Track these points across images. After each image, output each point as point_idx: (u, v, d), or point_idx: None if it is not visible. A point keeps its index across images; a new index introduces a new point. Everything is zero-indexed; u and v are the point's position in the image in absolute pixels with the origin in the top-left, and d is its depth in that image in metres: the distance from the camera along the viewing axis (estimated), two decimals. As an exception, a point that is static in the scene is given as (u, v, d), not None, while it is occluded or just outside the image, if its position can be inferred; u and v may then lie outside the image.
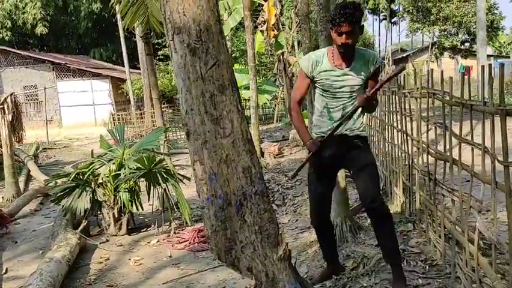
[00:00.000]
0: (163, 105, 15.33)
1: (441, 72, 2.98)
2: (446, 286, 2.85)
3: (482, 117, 2.35)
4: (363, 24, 2.90)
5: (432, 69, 3.20)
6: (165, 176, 5.43)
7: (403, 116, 4.13)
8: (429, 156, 3.41)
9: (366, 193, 2.99)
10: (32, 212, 7.22)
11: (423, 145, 3.51)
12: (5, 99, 11.62)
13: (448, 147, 2.93)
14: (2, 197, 8.01)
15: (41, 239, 5.60)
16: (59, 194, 5.55)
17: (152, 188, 5.56)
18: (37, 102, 23.75)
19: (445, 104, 2.98)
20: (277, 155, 9.61)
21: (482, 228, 2.33)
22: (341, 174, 3.90)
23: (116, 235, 5.48)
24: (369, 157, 3.04)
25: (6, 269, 4.66)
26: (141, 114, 18.00)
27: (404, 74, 4.10)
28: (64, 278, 4.00)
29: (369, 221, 4.30)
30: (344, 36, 2.77)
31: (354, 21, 2.75)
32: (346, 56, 2.89)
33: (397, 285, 2.81)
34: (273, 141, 11.36)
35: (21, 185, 8.75)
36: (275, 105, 18.94)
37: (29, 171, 10.26)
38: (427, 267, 3.18)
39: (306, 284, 2.58)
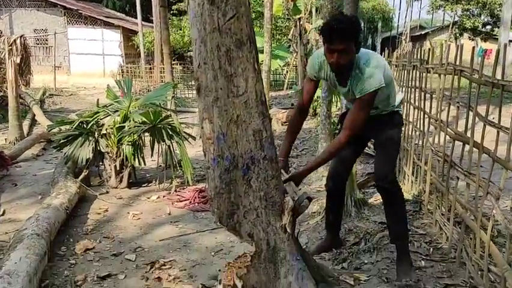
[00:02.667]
0: (173, 62, 15.11)
1: (473, 48, 2.80)
2: (450, 270, 2.77)
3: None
4: (360, 41, 2.52)
5: (462, 44, 3.01)
6: (170, 132, 5.32)
7: (423, 93, 3.95)
8: (447, 136, 3.26)
9: (377, 170, 2.88)
10: (34, 156, 7.18)
11: (442, 124, 3.35)
12: (15, 40, 11.41)
13: (469, 128, 2.78)
14: (5, 139, 7.97)
15: (41, 184, 5.57)
16: (61, 141, 5.47)
17: (156, 143, 5.46)
18: (46, 47, 23.45)
19: (472, 83, 2.81)
20: (284, 122, 9.46)
21: (500, 217, 2.21)
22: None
23: (116, 187, 5.43)
24: (390, 132, 2.84)
25: (4, 210, 4.64)
26: (150, 68, 17.75)
27: (429, 48, 3.89)
28: (60, 225, 3.96)
29: (374, 197, 4.23)
30: (335, 54, 2.44)
31: (348, 38, 2.41)
32: (340, 74, 2.60)
33: (402, 267, 2.71)
34: (282, 108, 11.18)
35: (25, 129, 8.70)
36: (287, 72, 18.61)
37: (34, 115, 10.19)
38: (431, 249, 3.10)
39: (307, 257, 2.50)
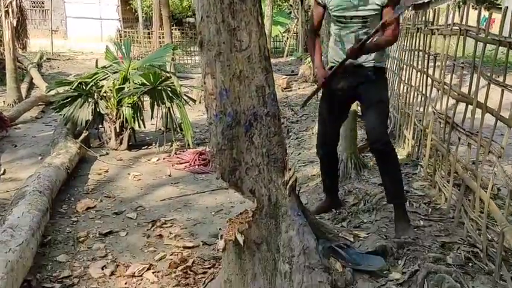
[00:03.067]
0: (172, 27, 14.86)
1: (480, 9, 2.74)
2: (447, 229, 2.80)
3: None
4: None
5: (469, 4, 2.95)
6: (170, 94, 5.29)
7: (426, 55, 3.90)
8: (450, 98, 3.24)
9: (371, 132, 2.87)
10: (33, 118, 7.16)
11: (446, 86, 3.32)
12: (10, 2, 11.22)
13: (473, 88, 2.75)
14: (3, 101, 7.92)
15: (41, 145, 5.57)
16: (60, 102, 5.44)
17: (156, 106, 5.43)
18: (43, 10, 22.99)
19: (478, 43, 2.76)
20: (285, 88, 9.44)
21: (501, 174, 2.22)
22: (354, 109, 3.77)
23: (116, 149, 5.43)
24: (380, 93, 2.85)
25: (4, 170, 4.65)
26: (149, 33, 17.47)
27: (435, 9, 3.82)
28: (61, 184, 3.98)
29: (373, 160, 4.24)
30: None
31: None
32: None
33: (400, 225, 2.74)
34: (282, 75, 11.09)
35: (23, 92, 8.63)
36: (287, 39, 18.35)
37: (32, 78, 10.09)
38: (430, 209, 3.12)
39: (308, 213, 2.52)
